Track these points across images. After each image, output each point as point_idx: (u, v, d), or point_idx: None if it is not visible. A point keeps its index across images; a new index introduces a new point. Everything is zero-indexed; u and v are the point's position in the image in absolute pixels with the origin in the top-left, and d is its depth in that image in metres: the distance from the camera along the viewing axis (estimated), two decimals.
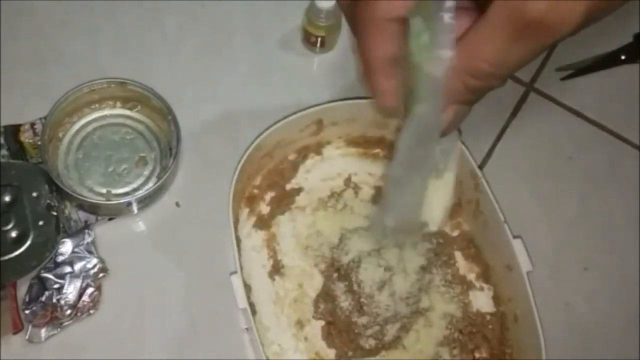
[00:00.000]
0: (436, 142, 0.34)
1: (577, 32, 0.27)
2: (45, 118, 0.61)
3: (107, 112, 0.65)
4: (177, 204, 0.64)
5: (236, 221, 0.60)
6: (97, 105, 0.65)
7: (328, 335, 0.58)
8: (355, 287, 0.55)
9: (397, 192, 0.37)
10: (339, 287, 0.57)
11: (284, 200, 0.63)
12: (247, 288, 0.57)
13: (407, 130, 0.32)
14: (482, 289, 0.62)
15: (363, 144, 0.66)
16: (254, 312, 0.57)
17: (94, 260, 0.59)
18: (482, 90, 0.30)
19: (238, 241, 0.59)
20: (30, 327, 0.57)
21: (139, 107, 0.65)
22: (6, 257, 0.56)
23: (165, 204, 0.63)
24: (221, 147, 0.66)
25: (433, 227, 0.39)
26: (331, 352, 0.58)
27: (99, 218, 0.62)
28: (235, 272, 0.54)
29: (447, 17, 0.28)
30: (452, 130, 0.33)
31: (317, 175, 0.65)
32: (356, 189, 0.64)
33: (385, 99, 0.32)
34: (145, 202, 0.62)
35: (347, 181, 0.65)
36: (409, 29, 0.30)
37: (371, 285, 0.54)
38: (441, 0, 0.28)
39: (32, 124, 0.63)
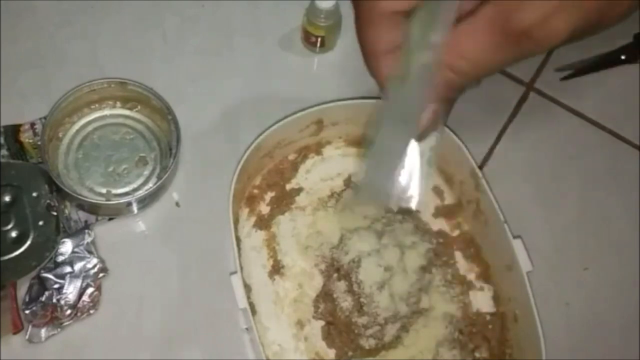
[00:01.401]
0: (411, 134, 0.34)
1: (558, 47, 0.27)
2: (45, 118, 0.61)
3: (107, 112, 0.65)
4: (177, 204, 0.64)
5: (236, 221, 0.60)
6: (97, 105, 0.65)
7: (328, 335, 0.58)
8: (355, 287, 0.55)
9: (373, 169, 0.38)
10: (339, 287, 0.57)
11: (284, 200, 0.63)
12: (247, 288, 0.57)
13: (388, 114, 0.33)
14: (482, 289, 0.62)
15: (363, 144, 0.66)
16: (254, 312, 0.57)
17: (94, 260, 0.59)
18: (458, 87, 0.30)
19: (238, 241, 0.59)
20: (30, 327, 0.57)
21: (139, 107, 0.65)
22: (6, 257, 0.56)
23: (165, 204, 0.63)
24: (221, 147, 0.66)
25: (413, 205, 0.40)
26: (331, 352, 0.58)
27: (99, 218, 0.62)
28: (235, 272, 0.54)
29: (446, 8, 0.28)
30: (431, 132, 0.33)
31: (317, 175, 0.65)
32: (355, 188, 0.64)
33: (383, 83, 0.32)
34: (145, 202, 0.62)
35: (347, 181, 0.65)
36: (410, 20, 0.30)
37: (371, 285, 0.54)
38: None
39: (32, 124, 0.63)
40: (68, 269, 0.58)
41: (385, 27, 0.30)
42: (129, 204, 0.60)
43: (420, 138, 0.33)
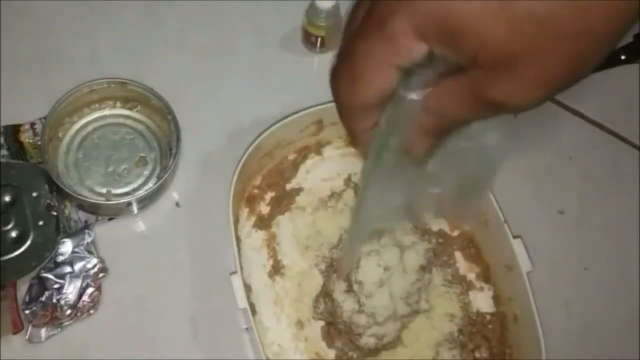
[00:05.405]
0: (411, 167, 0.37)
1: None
2: (45, 118, 0.61)
3: (107, 112, 0.65)
4: (177, 204, 0.64)
5: (236, 221, 0.60)
6: (97, 105, 0.65)
7: (328, 335, 0.58)
8: (355, 287, 0.55)
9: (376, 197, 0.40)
10: (339, 287, 0.57)
11: (284, 200, 0.63)
12: (247, 288, 0.57)
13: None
14: (482, 289, 0.62)
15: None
16: (254, 312, 0.57)
17: (94, 260, 0.59)
18: (451, 128, 0.33)
19: (238, 241, 0.59)
20: (30, 327, 0.57)
21: (139, 107, 0.65)
22: (6, 257, 0.56)
23: (165, 204, 0.63)
24: (221, 147, 0.66)
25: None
26: (331, 352, 0.58)
27: (99, 218, 0.62)
28: (235, 272, 0.54)
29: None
30: (425, 159, 0.35)
31: (317, 175, 0.65)
32: (356, 189, 0.64)
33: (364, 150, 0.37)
34: (145, 202, 0.62)
35: (347, 181, 0.64)
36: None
37: (371, 285, 0.54)
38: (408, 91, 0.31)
39: (32, 124, 0.63)
40: (68, 269, 0.58)
41: (364, 117, 0.35)
42: (129, 204, 0.60)
43: (418, 165, 0.36)
